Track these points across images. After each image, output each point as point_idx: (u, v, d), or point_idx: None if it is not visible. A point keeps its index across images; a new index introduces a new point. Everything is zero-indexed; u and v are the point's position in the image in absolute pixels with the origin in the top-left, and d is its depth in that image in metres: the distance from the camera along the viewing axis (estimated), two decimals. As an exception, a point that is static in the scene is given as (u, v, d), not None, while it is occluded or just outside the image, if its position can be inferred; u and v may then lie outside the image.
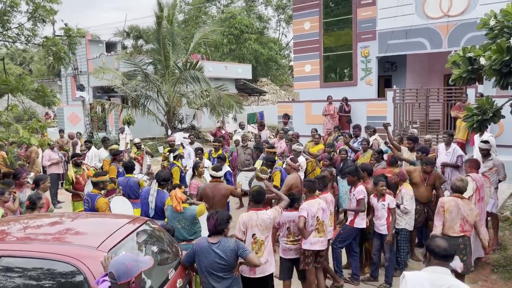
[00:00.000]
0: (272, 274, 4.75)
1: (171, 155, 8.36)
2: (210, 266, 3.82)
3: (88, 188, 7.05)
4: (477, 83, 10.22)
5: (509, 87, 5.12)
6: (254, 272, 4.52)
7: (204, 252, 3.85)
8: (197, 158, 8.69)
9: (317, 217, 5.06)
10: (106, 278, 2.94)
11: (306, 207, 5.00)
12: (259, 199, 4.73)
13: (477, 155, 7.37)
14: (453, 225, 4.80)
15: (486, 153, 6.89)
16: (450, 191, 7.66)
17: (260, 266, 4.12)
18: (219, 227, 3.87)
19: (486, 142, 6.97)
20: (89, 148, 10.87)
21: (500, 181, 6.95)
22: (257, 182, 6.38)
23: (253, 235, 4.51)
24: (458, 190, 4.92)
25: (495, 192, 6.86)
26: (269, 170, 7.09)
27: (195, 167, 7.25)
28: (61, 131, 13.82)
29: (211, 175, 6.21)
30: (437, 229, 4.89)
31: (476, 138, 8.83)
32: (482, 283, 5.79)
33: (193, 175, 7.29)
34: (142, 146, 10.63)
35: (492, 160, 6.88)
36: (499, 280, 5.86)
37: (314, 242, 5.08)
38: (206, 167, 8.33)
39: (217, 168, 6.23)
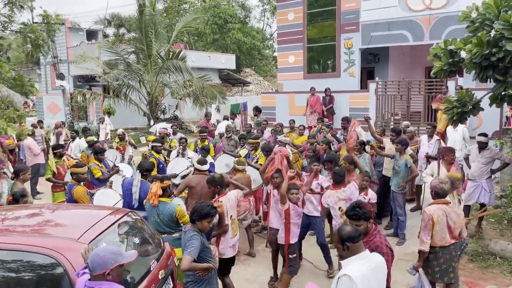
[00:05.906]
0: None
1: (150, 144, 8.26)
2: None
3: (68, 178, 6.99)
4: (457, 75, 10.35)
5: (489, 80, 5.20)
6: (235, 249, 4.97)
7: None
8: (181, 147, 8.55)
9: (340, 207, 5.39)
10: (87, 270, 2.91)
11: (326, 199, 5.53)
12: (222, 184, 5.10)
13: (450, 145, 7.69)
14: (444, 235, 4.41)
15: (484, 146, 6.95)
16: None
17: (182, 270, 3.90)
18: (192, 215, 3.94)
19: (484, 135, 7.03)
20: (73, 138, 10.64)
21: (492, 171, 7.03)
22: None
23: (231, 216, 4.92)
24: (444, 195, 4.49)
25: (490, 182, 6.98)
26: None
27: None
28: (40, 122, 13.48)
29: (196, 169, 6.16)
30: (426, 245, 4.42)
31: (449, 129, 8.95)
32: (459, 272, 5.87)
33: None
34: (126, 137, 10.48)
35: (489, 150, 6.93)
36: (476, 269, 6.00)
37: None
38: (190, 157, 8.25)
39: (202, 162, 6.17)
